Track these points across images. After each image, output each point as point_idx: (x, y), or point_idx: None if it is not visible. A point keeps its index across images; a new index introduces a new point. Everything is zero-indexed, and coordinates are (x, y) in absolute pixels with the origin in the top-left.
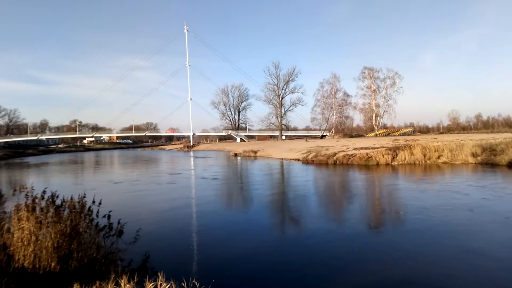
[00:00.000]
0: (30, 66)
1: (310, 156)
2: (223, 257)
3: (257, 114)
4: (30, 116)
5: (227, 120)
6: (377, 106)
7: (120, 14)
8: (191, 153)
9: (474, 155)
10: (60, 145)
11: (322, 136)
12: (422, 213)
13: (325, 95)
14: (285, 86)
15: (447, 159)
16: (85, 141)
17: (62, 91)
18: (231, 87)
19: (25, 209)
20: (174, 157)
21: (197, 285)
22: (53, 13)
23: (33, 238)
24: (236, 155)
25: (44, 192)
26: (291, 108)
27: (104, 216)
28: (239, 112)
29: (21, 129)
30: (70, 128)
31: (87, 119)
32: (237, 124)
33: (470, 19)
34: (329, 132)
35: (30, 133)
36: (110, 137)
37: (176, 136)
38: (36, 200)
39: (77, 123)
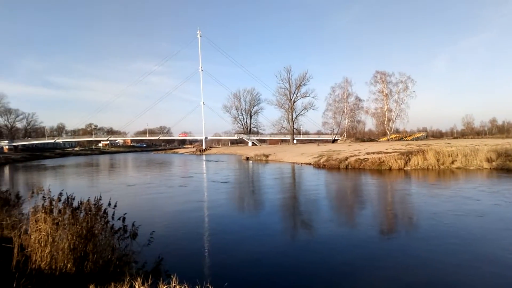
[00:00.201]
0: (47, 71)
1: (321, 161)
2: (235, 261)
3: (269, 118)
4: (47, 120)
5: (239, 124)
6: (390, 110)
7: (135, 20)
8: (203, 157)
9: (489, 160)
10: (76, 148)
11: (334, 141)
12: (433, 219)
13: (337, 100)
14: (296, 91)
15: (461, 164)
16: (100, 144)
17: (78, 96)
18: (243, 91)
19: (43, 211)
20: (186, 160)
21: None
22: (70, 18)
23: (50, 239)
24: (247, 159)
25: (60, 194)
26: (302, 112)
27: (119, 219)
28: (250, 116)
29: (39, 132)
30: (86, 132)
31: (103, 123)
32: (248, 128)
33: (483, 23)
34: (340, 136)
35: (47, 136)
36: (124, 140)
37: (189, 139)
38: (53, 202)
39: (93, 126)
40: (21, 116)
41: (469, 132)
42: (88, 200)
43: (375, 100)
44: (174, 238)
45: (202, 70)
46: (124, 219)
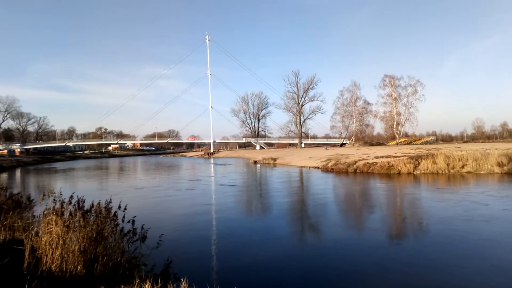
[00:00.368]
0: (58, 75)
1: (329, 164)
2: (242, 264)
3: (277, 122)
4: (58, 123)
5: (246, 127)
6: (398, 114)
7: (145, 25)
8: (211, 160)
9: (500, 164)
10: (86, 151)
11: (342, 144)
12: (442, 224)
13: (345, 103)
14: (304, 94)
15: (471, 169)
16: (110, 148)
17: (89, 99)
18: (251, 95)
19: (54, 213)
20: (194, 163)
21: None
22: (80, 23)
23: (61, 242)
24: (255, 162)
25: (71, 197)
26: (310, 116)
27: (128, 222)
28: (258, 120)
29: (50, 135)
30: (95, 135)
31: (112, 126)
32: (256, 132)
33: (493, 25)
34: (349, 140)
35: (58, 140)
36: (134, 144)
37: (197, 143)
38: (64, 205)
39: (103, 130)
40: (33, 120)
41: (480, 136)
42: (98, 203)
43: (384, 103)
44: (182, 241)
45: (210, 74)
46: (133, 222)
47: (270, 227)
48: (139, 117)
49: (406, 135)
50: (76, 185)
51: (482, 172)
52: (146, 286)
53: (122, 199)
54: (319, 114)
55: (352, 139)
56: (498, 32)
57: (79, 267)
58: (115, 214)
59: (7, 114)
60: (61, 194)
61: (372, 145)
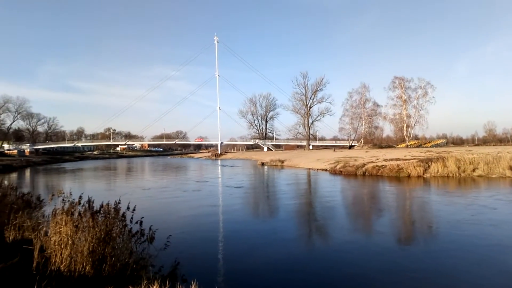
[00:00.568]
0: (68, 76)
1: (338, 167)
2: (250, 267)
3: (284, 124)
4: (67, 124)
5: (254, 129)
6: (408, 116)
7: (154, 26)
8: (219, 162)
9: None
10: (95, 152)
11: (351, 147)
12: (453, 228)
13: (354, 105)
14: (313, 96)
15: (482, 172)
16: (118, 148)
17: (98, 100)
18: (259, 96)
19: (63, 213)
20: (202, 165)
21: None
22: (90, 24)
23: (70, 241)
24: (263, 164)
25: (80, 197)
26: (318, 118)
27: (136, 222)
28: (266, 121)
29: (59, 136)
30: (104, 136)
31: (121, 127)
32: (264, 133)
33: (505, 27)
34: (357, 142)
35: (67, 140)
36: (142, 144)
37: (205, 144)
38: (74, 205)
39: (111, 131)
40: (43, 120)
41: (491, 139)
42: (108, 204)
43: (393, 105)
44: (190, 243)
45: (218, 75)
46: (141, 222)
47: (277, 230)
48: (147, 118)
49: (416, 137)
50: (85, 186)
51: (493, 176)
52: (153, 287)
53: (130, 199)
54: (328, 116)
55: (361, 142)
56: (510, 34)
57: (87, 267)
58: (123, 215)
59: (18, 114)
60: (71, 195)
61: (381, 147)
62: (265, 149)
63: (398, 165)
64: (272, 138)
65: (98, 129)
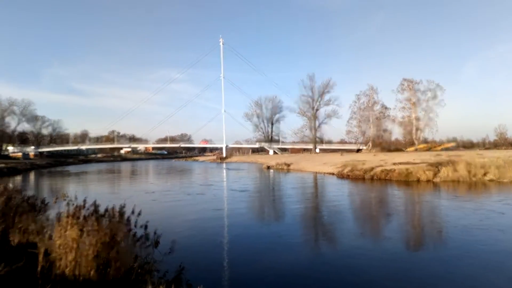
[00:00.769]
0: (72, 78)
1: (345, 171)
2: (255, 272)
3: (291, 127)
4: (71, 127)
5: (260, 132)
6: (417, 119)
7: (158, 28)
8: (224, 165)
9: None
10: (99, 155)
11: (358, 150)
12: (462, 235)
13: (362, 108)
14: (319, 99)
15: (494, 177)
16: (122, 151)
17: (102, 103)
18: (265, 99)
19: (68, 217)
20: (207, 168)
21: None
22: (94, 27)
23: (75, 245)
24: (268, 167)
25: (84, 200)
26: (325, 120)
27: (141, 226)
28: (272, 124)
29: (63, 139)
30: (108, 139)
31: (125, 130)
32: (270, 137)
33: None
34: (365, 146)
35: (72, 143)
36: (146, 147)
37: (209, 147)
38: (78, 209)
39: (115, 133)
40: (47, 123)
41: (502, 143)
42: (113, 207)
43: (402, 108)
44: (194, 248)
45: (223, 78)
46: (146, 227)
47: (283, 235)
48: (151, 121)
49: (425, 141)
50: (89, 189)
51: (505, 181)
52: None
53: (134, 203)
54: (335, 118)
55: (369, 145)
56: None
57: (92, 272)
58: (128, 219)
59: (22, 117)
60: (76, 198)
61: (389, 151)
62: (271, 152)
63: (407, 169)
64: (278, 141)
65: (102, 132)
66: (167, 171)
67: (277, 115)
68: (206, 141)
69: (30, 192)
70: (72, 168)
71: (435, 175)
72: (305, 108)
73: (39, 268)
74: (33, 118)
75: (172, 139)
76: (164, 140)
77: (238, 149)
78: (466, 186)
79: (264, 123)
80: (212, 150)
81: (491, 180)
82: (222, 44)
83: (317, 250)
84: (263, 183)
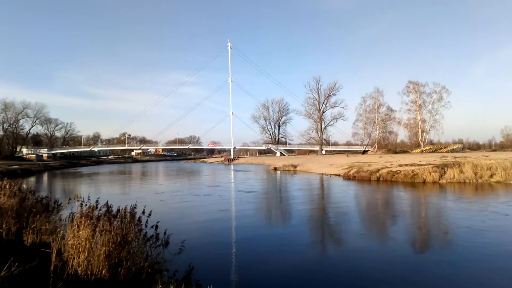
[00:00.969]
0: (85, 82)
1: (351, 172)
2: (263, 273)
3: (297, 129)
4: (84, 129)
5: (267, 134)
6: (423, 121)
7: (168, 33)
8: (232, 166)
9: None
10: (110, 157)
11: (364, 152)
12: (468, 236)
13: (368, 110)
14: (325, 101)
15: (500, 178)
16: (133, 153)
17: (113, 106)
18: (272, 101)
19: (81, 217)
20: (215, 169)
21: None
22: (106, 33)
23: (87, 245)
24: (275, 169)
25: (97, 201)
26: (331, 122)
27: (152, 227)
28: (279, 126)
29: (76, 141)
30: (119, 141)
31: (136, 132)
32: (277, 138)
33: None
34: (371, 147)
35: (84, 145)
36: (156, 149)
37: (218, 149)
38: (91, 209)
39: (126, 135)
40: (60, 125)
41: (509, 145)
42: (125, 208)
43: (408, 110)
44: (204, 248)
45: (231, 81)
46: (156, 227)
47: (290, 235)
48: (161, 123)
49: (431, 143)
50: (100, 189)
51: (511, 182)
52: None
53: (144, 203)
54: (341, 120)
55: (375, 147)
56: None
57: (103, 271)
58: (139, 219)
59: (36, 119)
60: (89, 199)
61: (395, 152)
62: (278, 154)
63: (413, 171)
64: (284, 143)
65: (114, 134)
66: (176, 173)
67: (284, 117)
68: (214, 143)
69: (43, 193)
70: (84, 170)
71: (441, 176)
72: (311, 110)
73: (52, 268)
74: (47, 121)
75: (181, 141)
76: (174, 142)
77: (246, 151)
78: (472, 188)
79: (271, 125)
80: (220, 151)
81: (497, 182)
82: (230, 48)
83: (324, 252)
84: (270, 184)
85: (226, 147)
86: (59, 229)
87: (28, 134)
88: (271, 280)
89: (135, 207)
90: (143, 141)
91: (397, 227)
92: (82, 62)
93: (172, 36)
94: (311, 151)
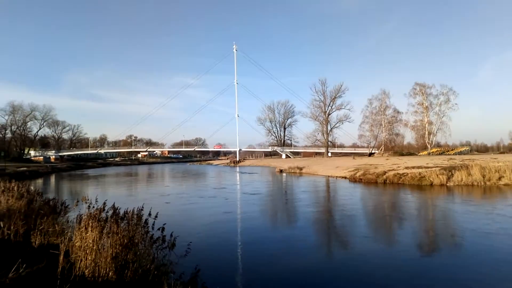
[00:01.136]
0: (91, 85)
1: (358, 174)
2: (269, 276)
3: (303, 131)
4: (91, 131)
5: (272, 136)
6: (430, 123)
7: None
8: (237, 169)
9: None
10: (117, 159)
11: (370, 154)
12: (475, 240)
13: (374, 112)
14: (331, 103)
15: (509, 181)
16: (139, 155)
17: (120, 108)
18: (277, 103)
19: (89, 219)
20: (220, 172)
21: None
22: (112, 36)
23: (94, 247)
24: (281, 171)
25: (104, 203)
26: (337, 125)
27: (158, 229)
28: (284, 128)
29: (83, 143)
30: (126, 143)
31: (142, 134)
32: (282, 141)
33: None
34: (377, 149)
35: (91, 147)
36: (162, 151)
37: (223, 151)
38: (98, 211)
39: (133, 138)
40: (67, 128)
41: None
42: (132, 210)
43: (415, 112)
44: (209, 250)
45: (237, 83)
46: (163, 229)
47: (296, 238)
48: (167, 125)
49: (438, 145)
50: (107, 191)
51: None
52: None
53: (150, 205)
54: (347, 123)
55: (381, 149)
56: None
57: (110, 273)
58: (145, 221)
59: (44, 122)
60: (97, 201)
61: (402, 155)
62: (283, 156)
63: (420, 173)
64: (290, 145)
65: (120, 136)
66: (182, 175)
67: (289, 120)
68: (220, 145)
69: (51, 195)
70: (91, 171)
71: (448, 179)
72: (317, 112)
73: (59, 269)
74: (54, 123)
75: (187, 143)
76: (180, 144)
77: (251, 153)
78: (480, 191)
79: (277, 127)
80: (225, 154)
81: (506, 185)
82: (236, 50)
83: (330, 255)
84: (276, 187)
85: (232, 149)
86: (66, 231)
87: (36, 136)
88: (277, 282)
89: (141, 209)
90: (149, 143)
91: (403, 230)
92: (89, 66)
93: (178, 39)
94: (317, 154)
